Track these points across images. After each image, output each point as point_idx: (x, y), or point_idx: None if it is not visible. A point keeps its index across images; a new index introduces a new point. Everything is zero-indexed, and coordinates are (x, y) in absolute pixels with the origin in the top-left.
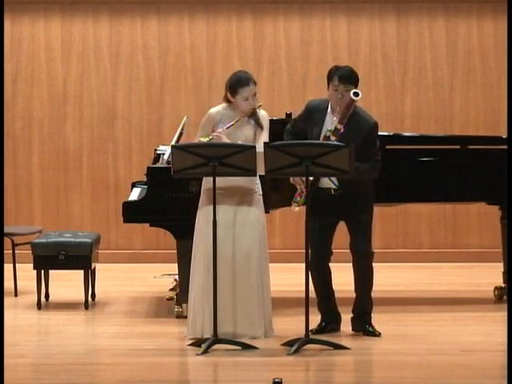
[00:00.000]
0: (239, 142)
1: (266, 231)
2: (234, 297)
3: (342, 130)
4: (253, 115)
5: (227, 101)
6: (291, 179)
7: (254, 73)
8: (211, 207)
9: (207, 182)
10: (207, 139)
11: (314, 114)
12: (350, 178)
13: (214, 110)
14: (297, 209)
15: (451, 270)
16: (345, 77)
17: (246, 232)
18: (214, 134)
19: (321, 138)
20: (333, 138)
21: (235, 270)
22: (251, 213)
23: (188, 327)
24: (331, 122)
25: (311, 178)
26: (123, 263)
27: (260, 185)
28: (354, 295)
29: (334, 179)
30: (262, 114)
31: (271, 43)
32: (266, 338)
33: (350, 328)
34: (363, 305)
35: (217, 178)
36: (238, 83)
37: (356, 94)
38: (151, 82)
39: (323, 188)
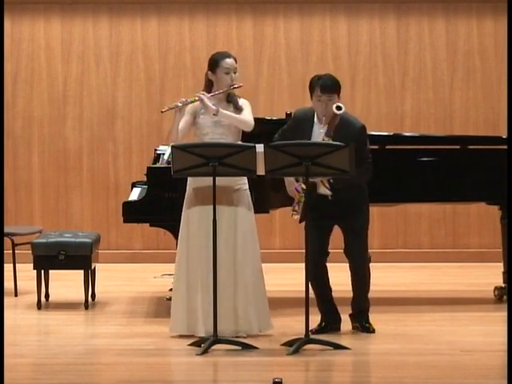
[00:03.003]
0: (239, 142)
1: (259, 231)
2: (231, 294)
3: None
4: (232, 100)
5: (208, 90)
6: (288, 192)
7: (254, 73)
8: (202, 207)
9: (193, 181)
10: (192, 98)
11: (301, 123)
12: (344, 184)
13: None
14: (296, 217)
15: (451, 270)
16: (326, 86)
17: (236, 229)
18: (199, 93)
19: None
20: None
21: (228, 266)
22: (239, 210)
23: (176, 324)
24: (318, 132)
25: (304, 186)
26: (123, 263)
27: (245, 181)
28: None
29: (328, 185)
30: (242, 100)
31: (271, 43)
32: (264, 332)
33: (350, 326)
34: (360, 304)
35: (200, 178)
36: (218, 56)
37: (339, 108)
38: (151, 82)
39: (320, 194)
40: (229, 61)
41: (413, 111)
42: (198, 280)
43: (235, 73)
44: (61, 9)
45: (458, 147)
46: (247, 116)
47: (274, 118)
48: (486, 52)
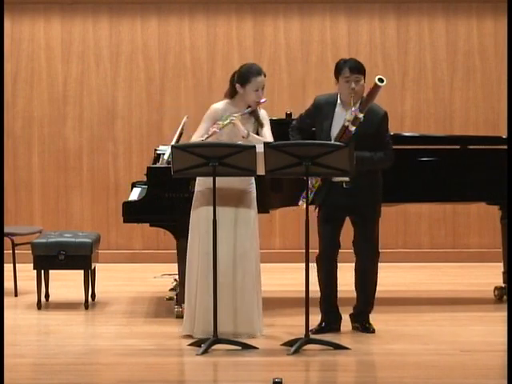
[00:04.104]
0: (239, 142)
1: (259, 231)
2: (232, 296)
3: (362, 119)
4: (254, 112)
5: (230, 97)
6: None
7: None
8: (208, 208)
9: (201, 183)
10: (226, 122)
11: (322, 107)
12: (363, 170)
13: (217, 105)
14: (304, 206)
15: (451, 270)
16: (355, 67)
17: (242, 232)
18: (232, 117)
19: (337, 130)
20: (352, 127)
21: (233, 269)
22: (247, 213)
23: (186, 324)
24: (344, 113)
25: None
26: (123, 263)
27: (254, 184)
28: (354, 295)
29: None
30: (262, 113)
31: (271, 43)
32: (260, 334)
33: (350, 326)
34: (362, 306)
35: (209, 179)
36: (251, 72)
37: (381, 80)
38: (151, 82)
39: (335, 182)
40: (260, 79)
41: (413, 111)
42: (198, 280)
43: (263, 88)
44: (61, 9)
45: (458, 147)
46: (268, 135)
47: (273, 118)
48: (486, 52)
